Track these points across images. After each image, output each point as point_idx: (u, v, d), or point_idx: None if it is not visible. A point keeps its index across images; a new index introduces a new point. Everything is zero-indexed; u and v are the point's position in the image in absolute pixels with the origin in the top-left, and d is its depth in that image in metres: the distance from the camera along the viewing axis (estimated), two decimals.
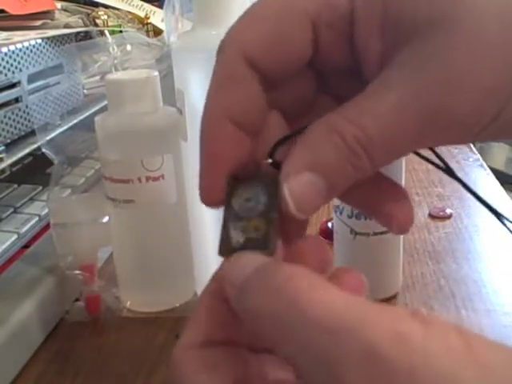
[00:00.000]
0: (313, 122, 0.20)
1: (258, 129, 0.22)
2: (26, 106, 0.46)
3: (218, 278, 0.21)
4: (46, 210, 0.45)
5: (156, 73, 0.40)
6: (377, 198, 0.23)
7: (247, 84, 0.21)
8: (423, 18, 0.19)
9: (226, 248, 0.21)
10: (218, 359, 0.20)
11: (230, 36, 0.22)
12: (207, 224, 0.41)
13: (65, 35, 0.52)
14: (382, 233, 0.41)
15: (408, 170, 0.67)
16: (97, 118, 0.41)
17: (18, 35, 0.49)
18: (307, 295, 0.17)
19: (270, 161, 0.22)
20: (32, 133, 0.45)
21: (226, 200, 0.22)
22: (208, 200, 0.24)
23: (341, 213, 0.41)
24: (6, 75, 0.44)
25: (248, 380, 0.20)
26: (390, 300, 0.42)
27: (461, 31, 0.19)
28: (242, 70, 0.21)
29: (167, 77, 0.41)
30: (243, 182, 0.22)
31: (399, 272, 0.43)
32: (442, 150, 0.73)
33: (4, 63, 0.43)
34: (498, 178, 0.65)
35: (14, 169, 0.53)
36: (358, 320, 0.15)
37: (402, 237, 0.43)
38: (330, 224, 0.53)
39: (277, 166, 0.21)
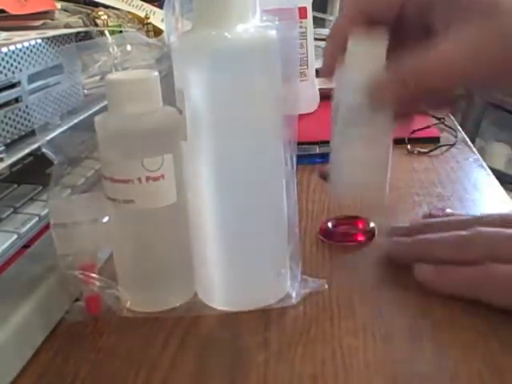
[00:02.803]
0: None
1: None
2: (26, 106, 0.46)
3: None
4: (46, 210, 0.45)
5: (156, 73, 0.40)
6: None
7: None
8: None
9: None
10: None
11: None
12: (207, 224, 0.41)
13: (65, 35, 0.52)
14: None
15: (408, 170, 0.67)
16: (97, 118, 0.41)
17: (17, 35, 0.49)
18: None
19: None
20: (32, 133, 0.45)
21: None
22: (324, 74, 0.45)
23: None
24: (6, 75, 0.44)
25: None
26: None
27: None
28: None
29: (167, 77, 0.41)
30: None
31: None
32: (442, 149, 0.73)
33: (4, 63, 0.43)
34: (498, 178, 0.65)
35: (13, 169, 0.53)
36: None
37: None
38: (329, 224, 0.53)
39: None
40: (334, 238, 0.51)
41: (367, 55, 0.42)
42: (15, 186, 0.50)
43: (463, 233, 0.43)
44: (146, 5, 0.88)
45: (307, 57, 0.89)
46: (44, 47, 0.48)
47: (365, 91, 0.41)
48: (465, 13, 0.39)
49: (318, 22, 1.19)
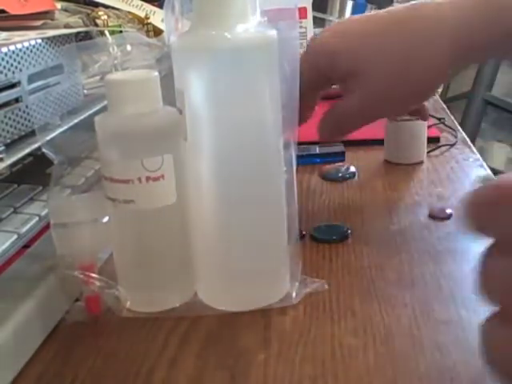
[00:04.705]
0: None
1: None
2: (26, 106, 0.46)
3: None
4: (46, 210, 0.45)
5: (156, 73, 0.40)
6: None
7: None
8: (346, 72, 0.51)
9: None
10: None
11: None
12: (207, 224, 0.41)
13: (65, 35, 0.52)
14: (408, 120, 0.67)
15: (408, 170, 0.67)
16: (97, 118, 0.41)
17: (17, 35, 0.49)
18: None
19: None
20: (32, 133, 0.45)
21: None
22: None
23: None
24: (6, 75, 0.44)
25: None
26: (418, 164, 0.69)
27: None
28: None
29: (167, 77, 0.41)
30: None
31: (425, 146, 0.70)
32: (442, 149, 0.73)
33: (4, 63, 0.43)
34: None
35: (13, 169, 0.53)
36: None
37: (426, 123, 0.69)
38: None
39: None
40: None
41: None
42: (15, 185, 0.50)
43: None
44: (145, 5, 0.88)
45: None
46: (44, 47, 0.49)
47: None
48: None
49: (318, 22, 1.19)
